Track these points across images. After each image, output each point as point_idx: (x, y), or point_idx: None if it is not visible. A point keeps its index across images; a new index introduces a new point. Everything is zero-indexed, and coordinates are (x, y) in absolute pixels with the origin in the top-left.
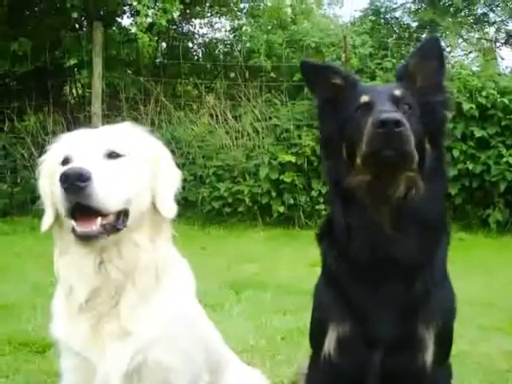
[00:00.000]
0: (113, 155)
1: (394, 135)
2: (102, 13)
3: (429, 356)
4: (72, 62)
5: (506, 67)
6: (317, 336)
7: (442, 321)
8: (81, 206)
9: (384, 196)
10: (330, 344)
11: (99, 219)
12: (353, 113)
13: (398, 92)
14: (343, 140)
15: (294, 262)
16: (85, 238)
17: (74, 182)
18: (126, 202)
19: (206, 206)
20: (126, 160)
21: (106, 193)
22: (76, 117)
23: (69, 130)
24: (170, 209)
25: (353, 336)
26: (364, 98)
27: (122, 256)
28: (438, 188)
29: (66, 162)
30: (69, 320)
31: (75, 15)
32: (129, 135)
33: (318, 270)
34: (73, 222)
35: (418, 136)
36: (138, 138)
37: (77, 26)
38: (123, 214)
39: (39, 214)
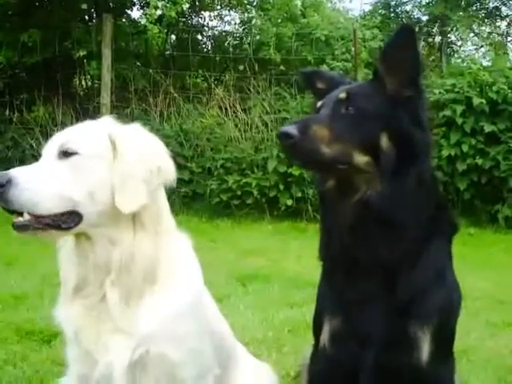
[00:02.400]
0: (65, 154)
1: (287, 147)
2: (111, 4)
3: (424, 354)
4: (81, 53)
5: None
6: (317, 328)
7: (440, 320)
8: None
9: (344, 198)
10: (324, 336)
11: (25, 214)
12: None
13: (342, 95)
14: None
15: (302, 255)
16: (16, 228)
17: None
18: (73, 203)
19: (214, 198)
20: (78, 158)
21: (31, 198)
22: (85, 108)
23: (78, 121)
24: (123, 202)
25: (344, 331)
26: (319, 104)
27: (96, 251)
28: (404, 186)
29: None
30: (65, 305)
31: (85, 6)
32: (86, 131)
33: None
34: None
35: (362, 137)
36: (96, 133)
37: (86, 17)
38: (74, 214)
39: None
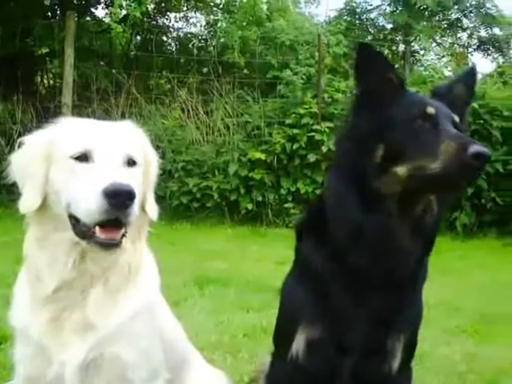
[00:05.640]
0: (130, 163)
1: (479, 170)
2: (75, 1)
3: (396, 363)
4: (43, 50)
5: (477, 73)
6: (283, 335)
7: (411, 330)
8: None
9: (409, 210)
10: (298, 345)
11: (123, 229)
12: (410, 120)
13: (456, 118)
14: (382, 141)
15: (261, 259)
16: (108, 246)
17: (125, 201)
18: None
19: (174, 200)
20: (138, 167)
21: (137, 207)
22: (46, 107)
23: (38, 119)
24: (152, 209)
25: (323, 340)
26: (430, 110)
27: (98, 257)
28: (442, 213)
29: (83, 158)
30: (30, 308)
31: (48, 2)
32: (139, 141)
33: (285, 268)
34: (97, 229)
35: None
36: (141, 143)
37: (49, 14)
38: None
39: (3, 202)
